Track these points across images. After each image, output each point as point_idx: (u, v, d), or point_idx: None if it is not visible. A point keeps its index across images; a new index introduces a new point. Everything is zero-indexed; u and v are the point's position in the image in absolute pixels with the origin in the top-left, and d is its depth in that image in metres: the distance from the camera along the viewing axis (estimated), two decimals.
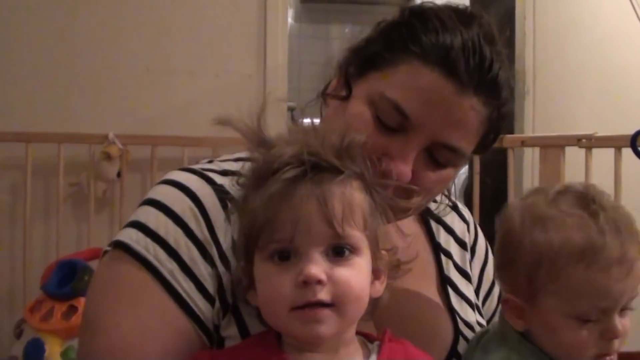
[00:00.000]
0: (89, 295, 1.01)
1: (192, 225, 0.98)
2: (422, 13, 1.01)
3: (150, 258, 0.96)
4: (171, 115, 3.12)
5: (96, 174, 2.98)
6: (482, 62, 0.97)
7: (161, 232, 0.97)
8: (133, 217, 1.01)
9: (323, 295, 0.82)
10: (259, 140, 0.92)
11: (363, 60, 1.03)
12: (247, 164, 0.94)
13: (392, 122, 0.98)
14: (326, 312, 0.83)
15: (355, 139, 0.90)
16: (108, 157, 2.93)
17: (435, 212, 1.20)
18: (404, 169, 0.97)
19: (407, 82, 0.97)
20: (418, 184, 0.99)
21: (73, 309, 2.41)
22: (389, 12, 1.05)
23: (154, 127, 3.06)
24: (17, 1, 3.11)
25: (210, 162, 1.10)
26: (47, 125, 3.00)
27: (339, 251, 0.84)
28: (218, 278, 0.97)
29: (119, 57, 3.12)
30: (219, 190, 1.01)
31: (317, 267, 0.83)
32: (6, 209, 3.04)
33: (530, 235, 0.97)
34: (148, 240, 0.97)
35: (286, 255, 0.84)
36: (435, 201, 1.20)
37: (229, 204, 0.99)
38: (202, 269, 0.97)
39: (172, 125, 3.07)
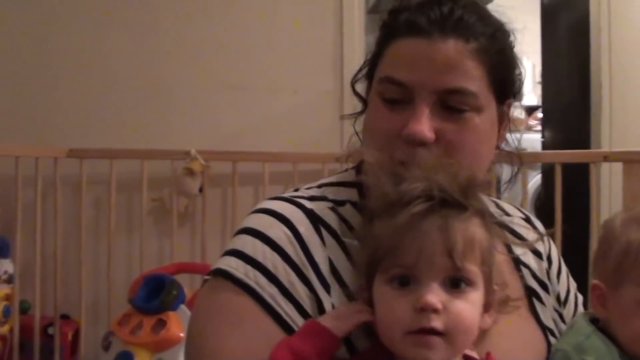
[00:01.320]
0: (193, 321, 1.04)
1: (289, 250, 1.02)
2: (393, 6, 1.09)
3: (252, 283, 0.99)
4: (251, 131, 3.16)
5: (178, 189, 3.03)
6: (441, 11, 1.03)
7: (259, 258, 1.01)
8: (231, 246, 1.05)
9: (437, 323, 0.87)
10: (390, 173, 0.95)
11: (368, 70, 1.12)
12: (367, 191, 0.98)
13: (395, 95, 1.03)
14: (437, 340, 0.87)
15: (479, 178, 0.97)
16: (190, 172, 2.98)
17: (509, 224, 1.22)
18: (417, 127, 1.00)
19: (392, 59, 1.05)
20: (445, 139, 1.02)
21: (161, 323, 2.45)
22: None
23: (235, 143, 3.11)
24: (101, 22, 3.19)
25: (296, 190, 1.13)
26: (130, 142, 3.07)
27: (456, 283, 0.89)
28: (317, 300, 1.00)
29: (200, 75, 3.18)
30: (311, 215, 1.05)
31: (435, 296, 0.87)
32: (91, 224, 3.10)
33: (627, 233, 1.05)
34: (248, 267, 1.00)
35: (406, 281, 0.89)
36: (508, 214, 1.23)
37: (325, 236, 1.03)
38: (301, 292, 1.00)
39: (252, 141, 3.12)
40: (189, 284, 2.78)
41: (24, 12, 3.20)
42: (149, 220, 3.09)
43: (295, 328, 0.98)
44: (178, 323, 2.43)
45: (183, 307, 2.47)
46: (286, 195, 1.11)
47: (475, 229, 0.92)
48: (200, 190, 3.03)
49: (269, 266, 1.00)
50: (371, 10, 5.11)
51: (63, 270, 2.99)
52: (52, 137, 3.09)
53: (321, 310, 0.99)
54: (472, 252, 0.90)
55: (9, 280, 2.86)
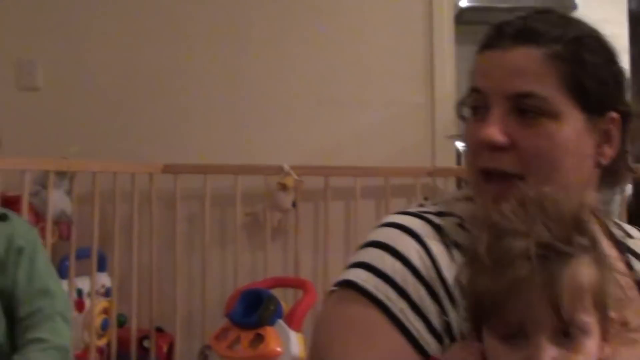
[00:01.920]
0: (319, 332, 1.03)
1: (418, 265, 1.00)
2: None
3: (381, 297, 0.98)
4: (343, 145, 3.15)
5: (272, 204, 3.04)
6: (512, 25, 1.06)
7: (389, 272, 0.99)
8: (358, 259, 1.03)
9: None
10: (488, 223, 0.92)
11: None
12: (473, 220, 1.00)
13: (476, 103, 1.06)
14: None
15: (586, 207, 0.91)
16: (284, 187, 2.98)
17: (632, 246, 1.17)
18: (487, 131, 1.01)
19: (474, 72, 1.08)
20: (520, 145, 1.01)
21: (259, 338, 2.45)
22: None
23: (327, 157, 3.11)
24: (193, 39, 3.23)
25: (421, 205, 1.12)
26: (224, 158, 3.10)
27: (567, 334, 0.85)
28: (445, 316, 0.98)
29: (292, 91, 3.19)
30: (439, 231, 1.04)
31: (547, 356, 0.83)
32: (185, 238, 3.13)
33: None
34: (378, 280, 0.99)
35: (515, 335, 0.85)
36: (631, 236, 1.19)
37: (454, 252, 1.01)
38: (430, 308, 0.98)
39: (344, 155, 3.11)
40: (282, 298, 2.78)
41: (118, 32, 3.26)
42: (242, 235, 3.10)
43: (424, 344, 0.96)
44: (276, 338, 2.43)
45: (280, 322, 2.47)
46: (413, 210, 1.09)
47: (583, 271, 0.86)
48: (293, 204, 3.04)
49: (399, 280, 0.99)
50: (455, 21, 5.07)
51: (158, 284, 3.02)
52: (148, 153, 3.13)
53: (449, 329, 0.97)
54: (581, 300, 0.85)
55: (107, 293, 2.91)
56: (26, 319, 1.28)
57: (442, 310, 0.98)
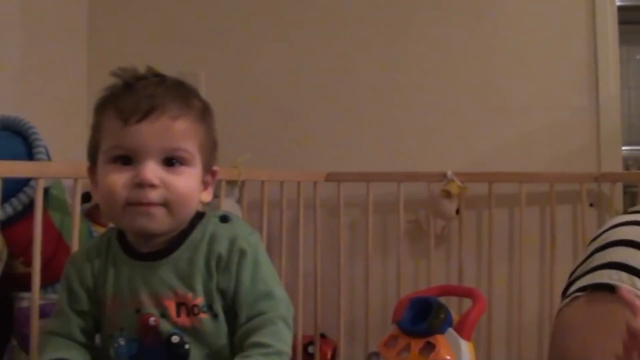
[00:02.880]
0: (568, 334, 1.01)
1: None
2: None
3: None
4: (506, 151, 3.10)
5: (435, 211, 3.02)
6: None
7: None
8: (606, 259, 1.01)
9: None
10: None
11: None
12: None
13: None
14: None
15: None
16: (448, 194, 2.96)
17: None
18: None
19: None
20: None
21: (429, 346, 2.43)
22: None
23: (490, 163, 3.06)
24: (349, 50, 3.26)
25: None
26: (386, 165, 3.11)
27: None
28: None
29: (454, 96, 3.16)
30: None
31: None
32: (347, 245, 3.15)
33: None
34: (634, 278, 0.96)
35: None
36: None
37: None
38: None
39: (507, 161, 3.06)
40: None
41: (280, 42, 3.32)
42: (405, 242, 3.09)
43: None
44: (446, 346, 2.41)
45: (451, 330, 2.45)
46: None
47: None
48: (457, 212, 3.01)
49: None
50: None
51: (322, 291, 3.05)
52: (312, 162, 3.18)
53: None
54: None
55: None
56: (248, 322, 1.29)
57: None
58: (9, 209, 2.32)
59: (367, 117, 3.23)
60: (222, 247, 1.32)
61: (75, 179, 2.13)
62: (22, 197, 2.35)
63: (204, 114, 1.35)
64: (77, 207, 2.13)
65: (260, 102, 3.28)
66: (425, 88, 3.19)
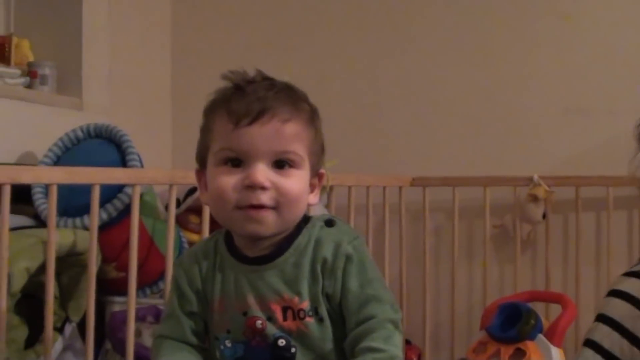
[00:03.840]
0: None
1: None
2: None
3: None
4: (593, 154, 3.05)
5: (521, 216, 2.99)
6: None
7: None
8: None
9: None
10: None
11: None
12: None
13: None
14: None
15: None
16: (534, 199, 2.93)
17: None
18: None
19: None
20: None
21: (520, 353, 2.41)
22: None
23: (577, 167, 3.02)
24: (437, 51, 3.26)
25: None
26: (471, 170, 3.09)
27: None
28: None
29: (539, 99, 3.13)
30: None
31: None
32: (432, 250, 3.14)
33: None
34: None
35: None
36: None
37: None
38: None
39: (594, 164, 3.00)
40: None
41: (364, 47, 3.34)
42: (490, 247, 3.07)
43: None
44: (537, 353, 2.38)
45: (541, 336, 2.42)
46: None
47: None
48: (544, 216, 2.98)
49: None
50: None
51: (407, 296, 3.05)
52: (397, 167, 3.18)
53: None
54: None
55: None
56: (358, 326, 1.29)
57: None
58: (104, 215, 2.38)
59: (453, 121, 3.22)
60: (327, 252, 1.32)
61: (170, 185, 2.18)
62: (117, 203, 2.41)
63: (313, 117, 1.36)
64: (173, 213, 2.17)
65: (345, 107, 3.29)
66: (510, 91, 3.16)
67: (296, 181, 1.30)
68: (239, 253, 1.37)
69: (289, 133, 1.28)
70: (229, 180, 1.27)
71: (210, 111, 1.34)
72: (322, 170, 1.41)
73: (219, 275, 1.38)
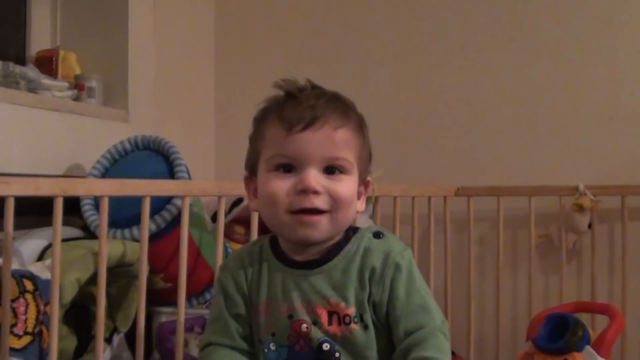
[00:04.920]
0: None
1: None
2: None
3: None
4: (639, 163, 3.02)
5: (567, 225, 2.97)
6: None
7: None
8: None
9: None
10: None
11: None
12: None
13: None
14: None
15: None
16: (580, 208, 2.91)
17: None
18: None
19: None
20: None
21: None
22: None
23: (623, 176, 2.99)
24: (478, 60, 3.26)
25: None
26: (516, 179, 3.08)
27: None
28: None
29: (583, 108, 3.11)
30: None
31: None
32: (477, 260, 3.13)
33: None
34: None
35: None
36: None
37: None
38: None
39: None
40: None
41: (405, 55, 3.35)
42: (535, 257, 3.05)
43: None
44: None
45: (589, 348, 2.40)
46: None
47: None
48: (589, 226, 2.95)
49: None
50: None
51: (452, 306, 3.04)
52: (442, 177, 3.17)
53: None
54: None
55: None
56: (408, 336, 1.30)
57: None
58: (152, 226, 2.40)
59: (497, 130, 3.21)
60: (376, 260, 1.35)
61: (219, 197, 2.19)
62: (166, 214, 2.43)
63: (361, 126, 1.39)
64: (221, 224, 2.19)
65: (390, 117, 3.29)
66: (555, 99, 3.15)
67: (347, 186, 1.33)
68: (286, 257, 1.39)
69: (340, 140, 1.32)
70: (282, 185, 1.31)
71: (262, 118, 1.38)
72: (369, 178, 1.44)
73: (265, 279, 1.40)
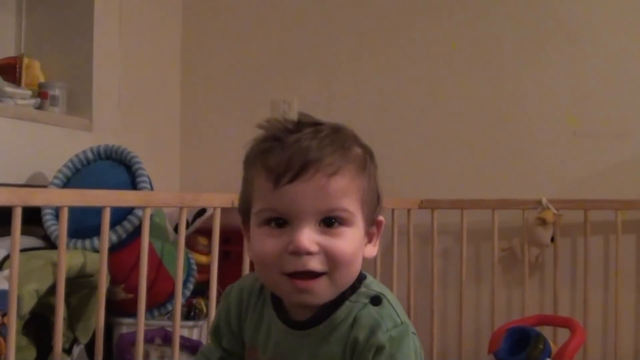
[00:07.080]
0: None
1: None
2: None
3: None
4: (602, 177, 3.05)
5: (530, 239, 2.99)
6: None
7: None
8: None
9: None
10: None
11: None
12: None
13: None
14: None
15: None
16: (543, 222, 2.93)
17: None
18: None
19: None
20: None
21: None
22: None
23: (586, 190, 3.02)
24: (444, 75, 3.27)
25: None
26: (480, 193, 3.09)
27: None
28: None
29: (546, 123, 3.13)
30: None
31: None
32: (440, 273, 3.14)
33: None
34: None
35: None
36: None
37: None
38: None
39: (603, 188, 3.02)
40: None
41: (368, 67, 3.36)
42: (498, 270, 3.06)
43: None
44: None
45: None
46: None
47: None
48: (552, 239, 2.97)
49: None
50: None
51: (414, 319, 3.04)
52: (406, 189, 3.17)
53: None
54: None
55: None
56: None
57: None
58: (113, 237, 2.38)
59: (461, 144, 3.23)
60: (361, 334, 1.20)
61: (181, 208, 2.18)
62: (127, 225, 2.41)
63: (365, 163, 1.24)
64: (183, 235, 2.17)
65: (353, 129, 3.27)
66: (519, 114, 3.17)
67: (348, 241, 1.17)
68: (283, 311, 1.29)
69: (335, 188, 1.16)
70: (273, 245, 1.16)
71: (248, 165, 1.22)
72: (381, 218, 1.28)
73: (263, 326, 1.32)
